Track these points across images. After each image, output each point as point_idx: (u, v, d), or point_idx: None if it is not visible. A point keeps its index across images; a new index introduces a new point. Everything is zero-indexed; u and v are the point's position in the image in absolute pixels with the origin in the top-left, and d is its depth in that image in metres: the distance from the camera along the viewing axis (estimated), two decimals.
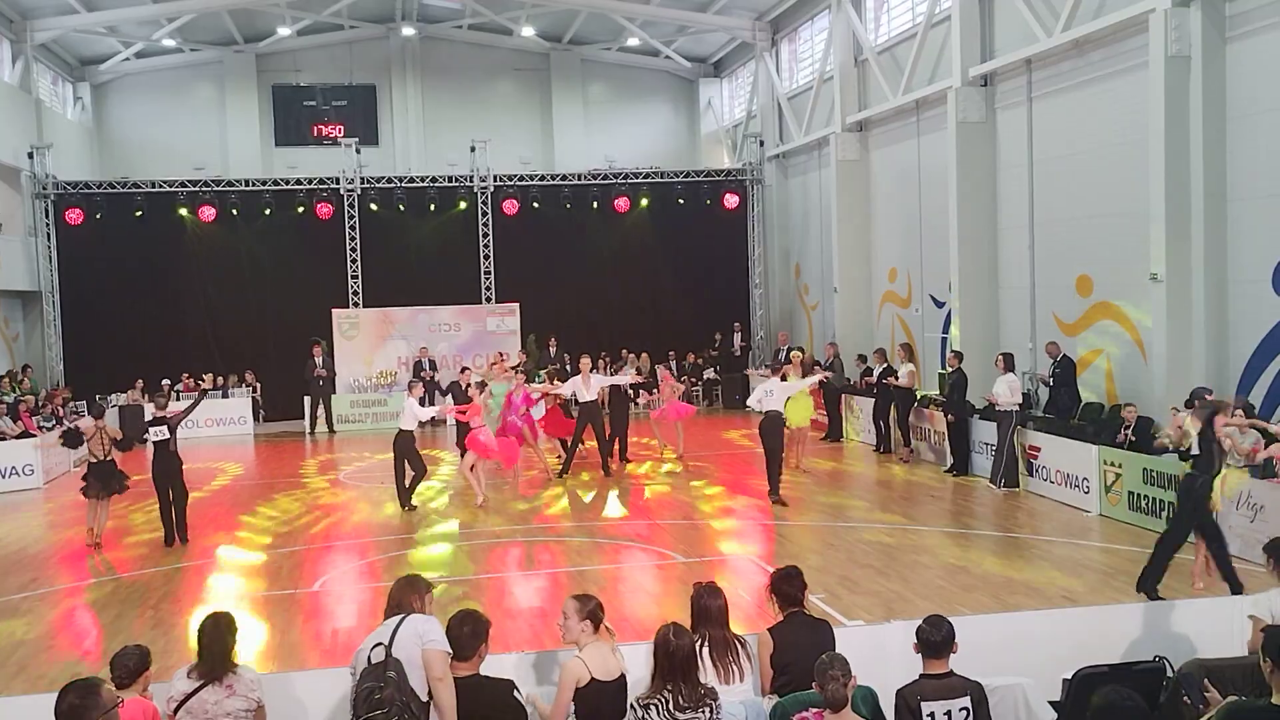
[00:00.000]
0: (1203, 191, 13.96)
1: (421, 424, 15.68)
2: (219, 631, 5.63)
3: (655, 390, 20.88)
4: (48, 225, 25.55)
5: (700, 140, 32.23)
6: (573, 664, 5.75)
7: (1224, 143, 13.91)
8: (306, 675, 6.88)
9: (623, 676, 5.82)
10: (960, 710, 5.43)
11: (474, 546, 13.43)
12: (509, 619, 10.09)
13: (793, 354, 18.32)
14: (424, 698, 5.43)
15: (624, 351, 26.86)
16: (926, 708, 5.42)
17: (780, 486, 15.13)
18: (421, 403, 15.83)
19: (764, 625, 6.57)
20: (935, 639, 5.58)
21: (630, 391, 18.95)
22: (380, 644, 5.45)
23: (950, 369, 17.23)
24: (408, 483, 15.36)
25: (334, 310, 25.98)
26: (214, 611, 5.87)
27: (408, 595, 5.75)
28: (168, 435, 13.58)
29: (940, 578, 11.08)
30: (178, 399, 14.79)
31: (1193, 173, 14.07)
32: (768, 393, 15.28)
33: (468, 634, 5.65)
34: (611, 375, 20.19)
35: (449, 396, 19.73)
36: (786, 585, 6.46)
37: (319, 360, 24.63)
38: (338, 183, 26.63)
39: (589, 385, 17.47)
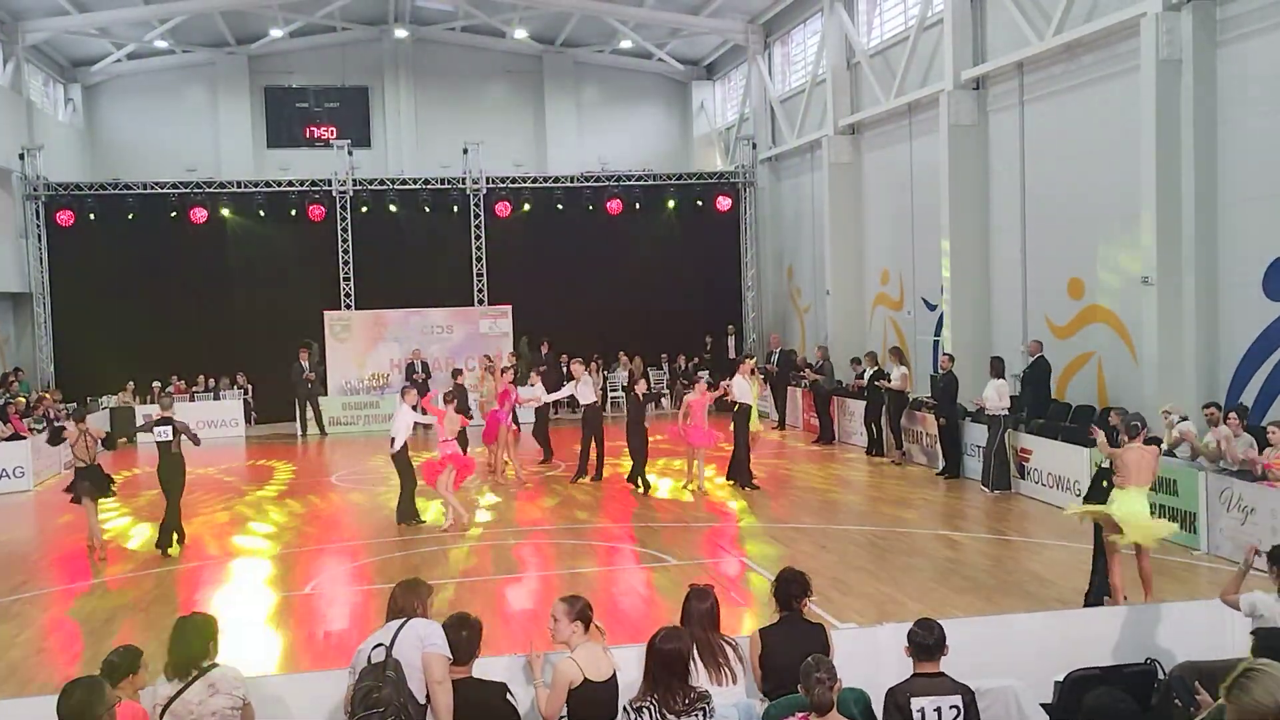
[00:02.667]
0: (1194, 195, 13.99)
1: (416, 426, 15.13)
2: (184, 632, 5.64)
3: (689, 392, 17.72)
4: (38, 227, 25.48)
5: (693, 143, 32.25)
6: (565, 665, 5.77)
7: (1215, 146, 13.95)
8: (297, 678, 6.87)
9: (614, 676, 5.83)
10: (951, 708, 5.44)
11: (465, 549, 13.40)
12: (501, 622, 10.08)
13: (749, 360, 17.70)
14: (421, 700, 5.47)
15: (620, 354, 26.88)
16: (916, 703, 5.44)
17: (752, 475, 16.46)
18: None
19: (755, 627, 6.58)
20: (927, 642, 5.60)
21: (641, 397, 17.02)
22: (381, 645, 5.50)
23: (942, 371, 17.26)
24: (398, 498, 14.71)
25: (326, 312, 25.91)
26: (184, 615, 5.88)
27: (410, 599, 5.79)
28: (170, 436, 13.15)
29: (932, 580, 11.09)
30: (170, 400, 14.54)
31: (1184, 176, 14.10)
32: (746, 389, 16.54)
33: (466, 638, 5.71)
34: (606, 377, 20.07)
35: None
36: (786, 587, 6.46)
37: (305, 364, 24.58)
38: (330, 184, 26.58)
39: (589, 388, 17.77)
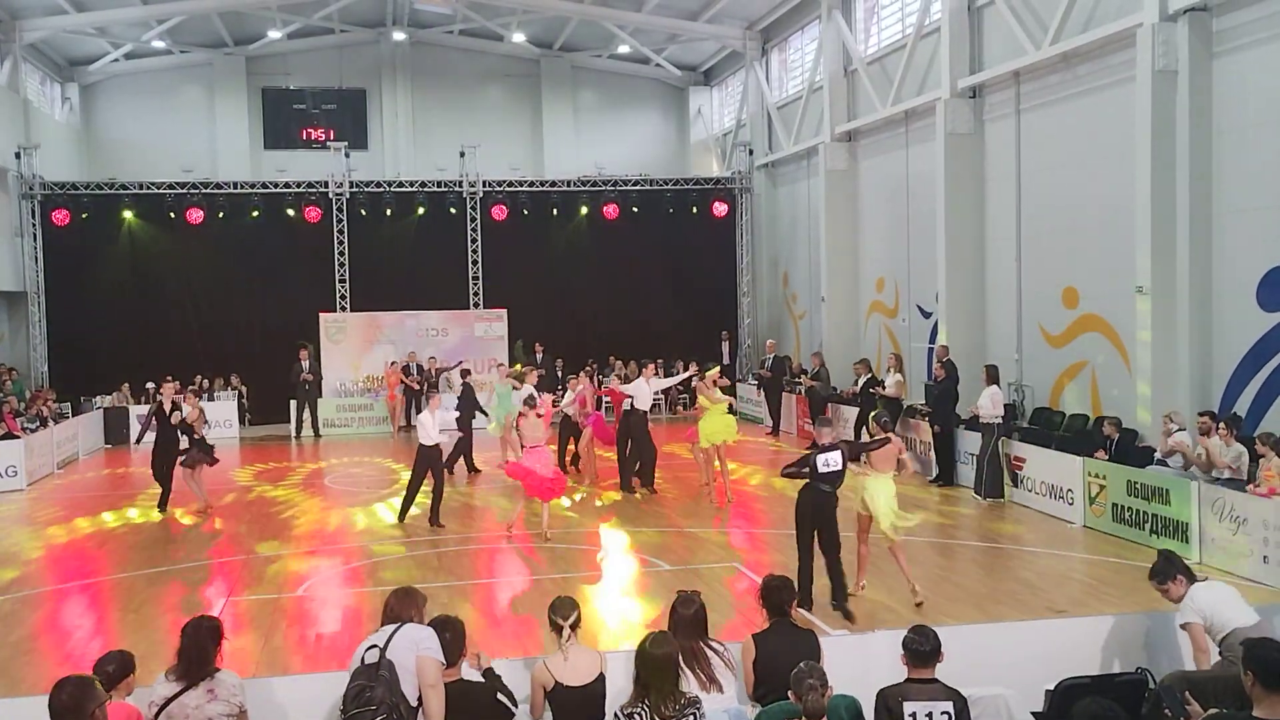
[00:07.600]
0: (1188, 204, 14.04)
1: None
2: (199, 636, 5.65)
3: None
4: (34, 226, 25.42)
5: (690, 148, 32.28)
6: (536, 668, 5.89)
7: (1210, 156, 14.00)
8: (290, 680, 6.87)
9: (597, 681, 5.84)
10: (942, 714, 5.47)
11: (459, 552, 13.40)
12: (493, 626, 10.07)
13: (709, 373, 16.75)
14: (413, 702, 5.50)
15: (611, 358, 26.85)
16: (909, 707, 5.46)
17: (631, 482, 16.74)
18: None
19: (748, 633, 6.59)
20: (924, 649, 5.63)
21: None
22: (375, 646, 5.54)
23: (937, 379, 17.29)
24: (431, 498, 14.64)
25: (321, 314, 25.91)
26: (198, 616, 5.89)
27: (405, 607, 5.82)
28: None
29: (924, 588, 11.09)
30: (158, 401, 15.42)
31: (1179, 186, 14.15)
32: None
33: (449, 640, 5.73)
34: (600, 382, 19.97)
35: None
36: (774, 594, 6.48)
37: (305, 365, 24.58)
38: (326, 186, 26.57)
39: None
